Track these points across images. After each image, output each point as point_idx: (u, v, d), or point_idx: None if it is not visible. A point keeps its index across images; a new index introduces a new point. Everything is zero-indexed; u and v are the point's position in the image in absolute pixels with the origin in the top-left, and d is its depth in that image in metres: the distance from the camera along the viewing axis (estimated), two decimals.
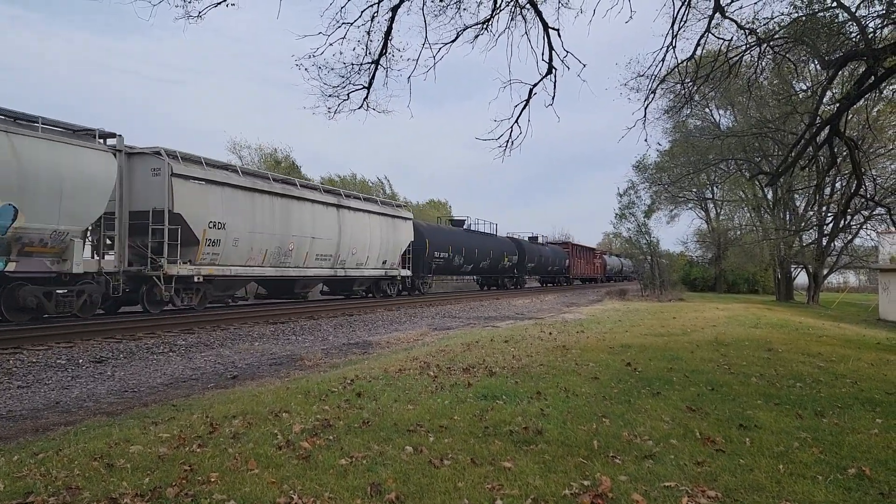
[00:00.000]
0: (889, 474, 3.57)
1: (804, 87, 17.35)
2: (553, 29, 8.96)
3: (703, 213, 47.89)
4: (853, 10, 9.29)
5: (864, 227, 30.17)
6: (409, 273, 23.76)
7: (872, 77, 9.18)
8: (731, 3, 9.56)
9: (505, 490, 3.22)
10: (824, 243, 31.46)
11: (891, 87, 13.95)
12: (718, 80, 11.05)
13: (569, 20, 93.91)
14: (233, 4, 7.85)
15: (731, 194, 40.52)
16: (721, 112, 34.05)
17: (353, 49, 9.49)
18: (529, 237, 41.61)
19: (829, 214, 31.00)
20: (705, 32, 9.56)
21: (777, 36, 10.28)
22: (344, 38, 8.69)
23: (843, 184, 27.70)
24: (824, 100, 11.90)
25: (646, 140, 32.95)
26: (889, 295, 26.73)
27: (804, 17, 10.00)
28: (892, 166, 28.48)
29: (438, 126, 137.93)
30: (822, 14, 10.02)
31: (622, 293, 32.63)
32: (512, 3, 9.16)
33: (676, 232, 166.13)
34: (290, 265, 17.21)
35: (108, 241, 13.16)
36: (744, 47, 10.58)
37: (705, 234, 47.50)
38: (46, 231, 10.86)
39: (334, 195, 19.72)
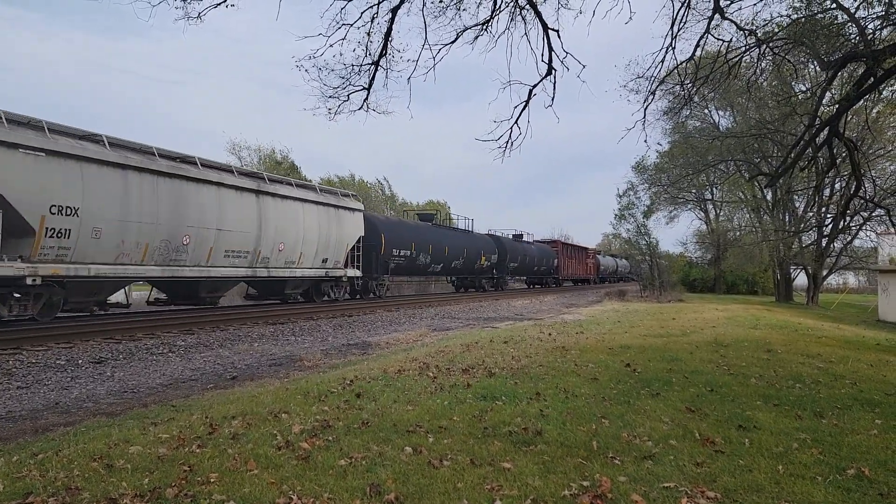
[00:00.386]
0: (888, 475, 3.57)
1: (803, 89, 17.35)
2: (553, 30, 8.97)
3: (703, 214, 48.03)
4: (852, 11, 9.31)
5: (864, 228, 30.19)
6: (358, 273, 20.54)
7: (872, 78, 9.20)
8: (730, 4, 9.60)
9: (504, 491, 3.22)
10: (824, 244, 31.49)
11: (890, 88, 13.93)
12: (718, 81, 11.07)
13: (568, 21, 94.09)
14: (232, 5, 7.87)
15: (731, 195, 40.57)
16: (720, 113, 34.13)
17: (353, 50, 9.55)
18: (514, 234, 38.66)
19: (829, 215, 31.03)
20: (705, 33, 9.58)
21: (776, 37, 10.29)
22: (344, 39, 8.71)
23: (843, 185, 27.70)
24: (824, 101, 11.90)
25: (645, 141, 33.16)
26: (888, 296, 26.75)
27: (803, 19, 10.02)
28: (892, 167, 28.54)
29: (438, 127, 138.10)
30: (821, 15, 10.03)
31: (621, 294, 32.64)
32: (511, 4, 9.18)
33: (676, 233, 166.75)
34: (185, 263, 13.68)
35: None
36: (743, 48, 10.59)
37: (705, 234, 47.60)
38: None
39: (253, 178, 16.23)
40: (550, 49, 9.10)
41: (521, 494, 3.17)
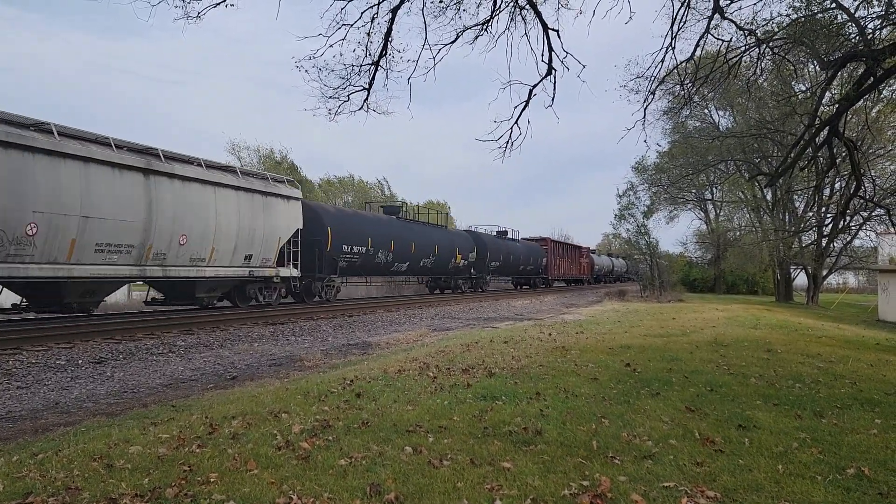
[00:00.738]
0: (888, 474, 3.57)
1: (803, 88, 17.37)
2: (553, 30, 8.98)
3: (703, 214, 48.10)
4: (852, 11, 9.32)
5: (864, 227, 30.25)
6: (295, 273, 17.11)
7: (871, 78, 9.20)
8: (730, 3, 9.60)
9: (504, 490, 3.22)
10: (823, 244, 31.51)
11: (890, 88, 13.97)
12: (718, 81, 11.07)
13: (568, 21, 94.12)
14: (232, 5, 7.88)
15: (731, 195, 40.62)
16: (720, 113, 34.18)
17: (353, 50, 9.55)
18: (497, 231, 35.85)
19: (829, 215, 31.06)
20: (704, 33, 9.59)
21: (776, 37, 10.30)
22: (344, 39, 8.72)
23: (843, 184, 27.75)
24: (823, 101, 11.91)
25: (645, 141, 33.27)
26: (888, 296, 26.74)
27: (803, 18, 10.03)
28: (892, 167, 28.58)
29: (438, 127, 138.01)
30: (821, 15, 10.05)
31: (621, 294, 32.65)
32: (511, 4, 9.19)
33: (676, 233, 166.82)
34: (30, 261, 10.28)
35: None
36: (743, 48, 10.59)
37: (705, 234, 47.63)
38: None
39: (140, 154, 12.50)
40: (550, 49, 9.11)
41: (520, 494, 3.17)
